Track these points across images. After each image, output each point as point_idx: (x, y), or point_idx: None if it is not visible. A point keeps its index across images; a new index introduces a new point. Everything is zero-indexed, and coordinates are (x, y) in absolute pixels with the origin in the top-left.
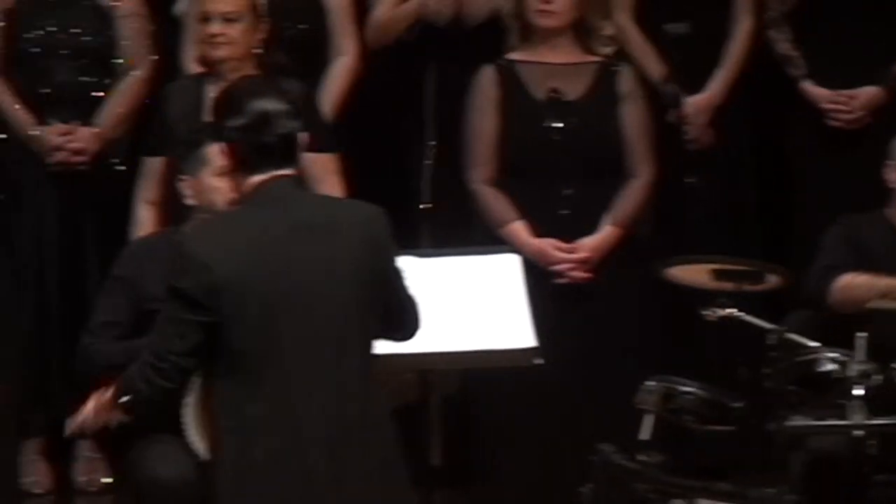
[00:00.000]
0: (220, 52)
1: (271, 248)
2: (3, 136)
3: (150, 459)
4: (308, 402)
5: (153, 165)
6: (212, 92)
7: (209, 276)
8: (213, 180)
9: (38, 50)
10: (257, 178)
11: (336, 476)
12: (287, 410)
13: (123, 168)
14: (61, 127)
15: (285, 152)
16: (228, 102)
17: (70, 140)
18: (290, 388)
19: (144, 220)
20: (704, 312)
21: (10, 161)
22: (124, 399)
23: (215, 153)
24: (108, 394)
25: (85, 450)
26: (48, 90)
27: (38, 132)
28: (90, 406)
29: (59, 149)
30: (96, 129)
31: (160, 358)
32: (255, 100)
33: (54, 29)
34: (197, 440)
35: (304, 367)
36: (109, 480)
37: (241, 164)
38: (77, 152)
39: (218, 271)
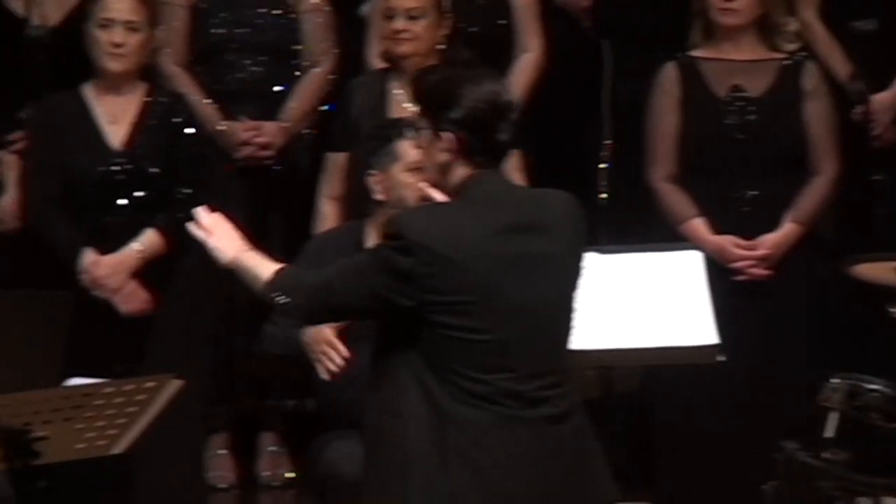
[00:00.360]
0: (404, 49)
1: (491, 241)
2: (190, 130)
3: (333, 455)
4: (521, 396)
5: (336, 161)
6: (395, 88)
7: (434, 261)
8: (404, 175)
9: (222, 46)
10: (472, 171)
11: (545, 468)
12: (501, 404)
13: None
14: (248, 122)
15: (506, 144)
16: (448, 91)
17: (257, 135)
18: (507, 380)
19: (327, 215)
20: (892, 310)
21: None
22: (278, 296)
23: (407, 148)
24: (269, 268)
25: (269, 444)
26: (232, 86)
27: (225, 127)
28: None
29: (246, 144)
30: (282, 124)
31: (329, 297)
32: (482, 88)
33: (238, 25)
34: None
35: (520, 362)
36: (293, 475)
37: (462, 156)
38: (264, 147)
39: (442, 259)
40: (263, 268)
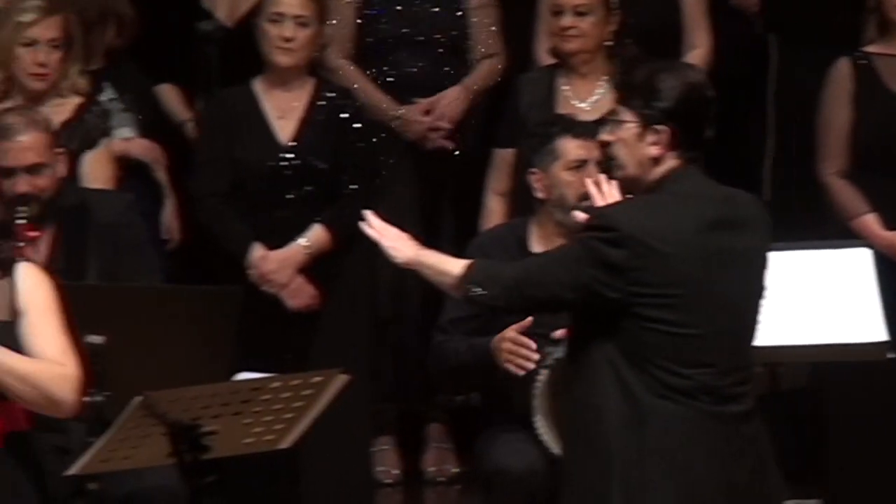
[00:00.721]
0: (572, 45)
1: (698, 236)
2: (358, 125)
3: (499, 450)
4: (717, 392)
5: (504, 157)
6: (563, 84)
7: (645, 253)
8: (564, 174)
9: (390, 41)
10: (677, 165)
11: (733, 465)
12: (698, 400)
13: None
14: (422, 105)
15: (709, 139)
16: (657, 84)
17: (434, 117)
18: (706, 376)
19: (494, 211)
20: None
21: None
22: (474, 289)
23: (569, 146)
24: (455, 262)
25: (435, 440)
26: (400, 82)
27: (403, 112)
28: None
29: (421, 125)
30: (453, 102)
31: (531, 288)
32: (690, 81)
33: (407, 20)
34: (546, 432)
35: (719, 357)
36: (458, 470)
37: (672, 149)
38: (439, 121)
39: (653, 252)
40: (449, 263)
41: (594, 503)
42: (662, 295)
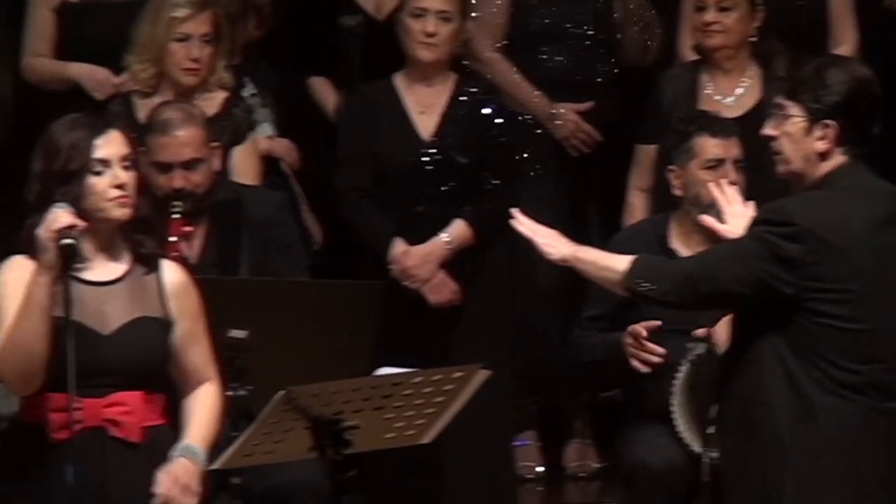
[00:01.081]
0: (715, 41)
1: (871, 232)
2: (500, 120)
3: (640, 445)
4: (884, 388)
5: (646, 153)
6: (706, 80)
7: (821, 248)
8: (700, 173)
9: (539, 35)
10: (845, 160)
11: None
12: (867, 395)
13: None
14: (579, 105)
15: (876, 136)
16: (825, 79)
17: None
18: (877, 371)
19: (635, 207)
20: None
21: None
22: (642, 284)
23: (706, 145)
24: (617, 259)
25: (577, 435)
26: (549, 75)
27: (558, 111)
28: None
29: (575, 125)
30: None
31: (702, 284)
32: (858, 76)
33: (556, 14)
34: (685, 428)
35: (889, 353)
36: (600, 466)
37: (839, 144)
38: (585, 131)
39: (829, 247)
40: (611, 259)
41: (764, 498)
42: (836, 290)
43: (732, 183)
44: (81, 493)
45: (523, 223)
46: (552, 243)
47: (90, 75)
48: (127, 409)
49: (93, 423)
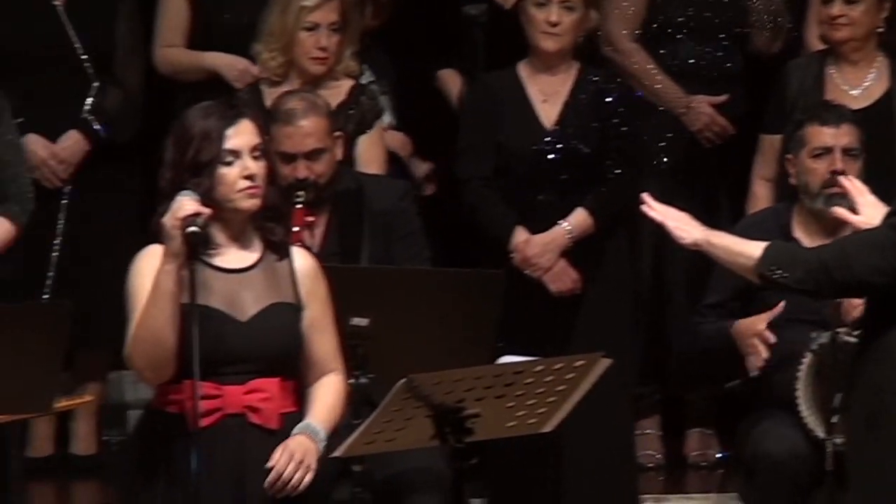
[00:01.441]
0: (841, 34)
1: None
2: (623, 108)
3: (763, 435)
4: None
5: (770, 142)
6: (832, 71)
7: None
8: (809, 161)
9: (676, 26)
10: None
11: None
12: None
13: None
14: (714, 98)
15: None
16: None
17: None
18: None
19: (759, 197)
20: None
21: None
22: (775, 271)
23: (815, 133)
24: (751, 244)
25: (698, 425)
26: (683, 68)
27: (694, 102)
28: None
29: (710, 117)
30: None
31: (837, 272)
32: None
33: (692, 5)
34: (810, 416)
35: None
36: (721, 455)
37: None
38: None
39: None
40: (744, 244)
41: (890, 487)
42: None
43: (840, 172)
44: (220, 481)
45: (654, 207)
46: (684, 227)
47: (232, 65)
48: (266, 396)
49: (233, 409)
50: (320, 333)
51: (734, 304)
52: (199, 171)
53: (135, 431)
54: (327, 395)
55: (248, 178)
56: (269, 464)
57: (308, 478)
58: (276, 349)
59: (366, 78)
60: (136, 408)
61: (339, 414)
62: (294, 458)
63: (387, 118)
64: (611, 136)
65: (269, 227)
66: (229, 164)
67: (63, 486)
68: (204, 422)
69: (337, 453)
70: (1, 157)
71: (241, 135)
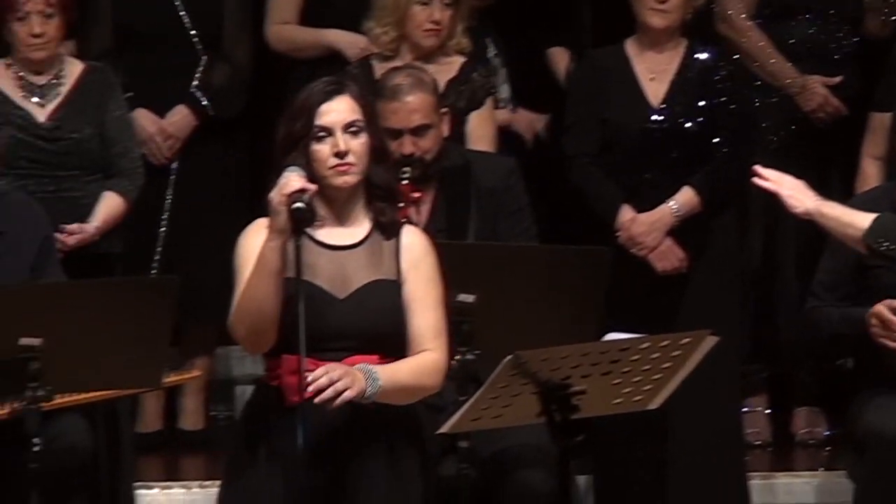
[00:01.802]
0: None
1: None
2: (731, 86)
3: (874, 412)
4: None
5: (880, 120)
6: None
7: None
8: None
9: (789, 6)
10: None
11: None
12: None
13: None
14: (828, 79)
15: None
16: None
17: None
18: None
19: (869, 175)
20: None
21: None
22: (882, 243)
23: None
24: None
25: (806, 402)
26: (796, 48)
27: (804, 81)
28: None
29: (824, 98)
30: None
31: None
32: None
33: None
34: None
35: None
36: (829, 433)
37: None
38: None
39: None
40: (855, 215)
41: None
42: None
43: None
44: (317, 456)
45: (767, 176)
46: (798, 196)
47: (353, 43)
48: None
49: None
50: (420, 311)
51: (848, 286)
52: (294, 146)
53: (245, 405)
54: (410, 361)
55: (338, 155)
56: (310, 378)
57: (346, 394)
58: (372, 326)
59: (491, 51)
60: (244, 383)
61: (411, 384)
62: (331, 378)
63: (505, 91)
64: (719, 114)
65: (380, 206)
66: (321, 139)
67: (171, 460)
68: (298, 396)
69: (443, 429)
70: (111, 133)
71: (334, 112)
